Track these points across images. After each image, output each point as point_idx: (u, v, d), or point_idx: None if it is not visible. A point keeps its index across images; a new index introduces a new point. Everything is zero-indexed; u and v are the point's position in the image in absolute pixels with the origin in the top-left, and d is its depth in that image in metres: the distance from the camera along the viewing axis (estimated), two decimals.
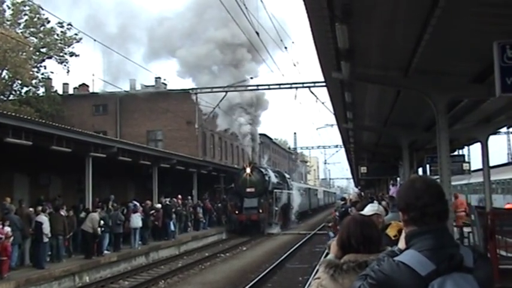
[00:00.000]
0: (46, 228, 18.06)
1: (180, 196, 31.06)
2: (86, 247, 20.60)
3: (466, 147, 27.05)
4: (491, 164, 18.08)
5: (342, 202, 21.83)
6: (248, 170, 36.57)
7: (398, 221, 5.75)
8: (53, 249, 19.19)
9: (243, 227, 35.24)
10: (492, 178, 19.62)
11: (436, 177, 14.50)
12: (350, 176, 72.44)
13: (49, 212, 19.44)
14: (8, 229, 16.23)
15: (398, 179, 27.69)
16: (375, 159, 31.68)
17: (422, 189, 2.38)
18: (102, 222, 21.12)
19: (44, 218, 18.19)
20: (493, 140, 18.38)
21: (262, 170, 38.56)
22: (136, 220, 23.78)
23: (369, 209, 6.03)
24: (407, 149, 19.72)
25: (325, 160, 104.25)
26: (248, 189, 36.13)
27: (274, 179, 39.43)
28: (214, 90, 35.76)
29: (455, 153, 24.89)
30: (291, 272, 20.30)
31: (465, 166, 23.74)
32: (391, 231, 5.33)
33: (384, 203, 11.12)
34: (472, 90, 11.46)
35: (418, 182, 2.44)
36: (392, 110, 16.17)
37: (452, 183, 13.62)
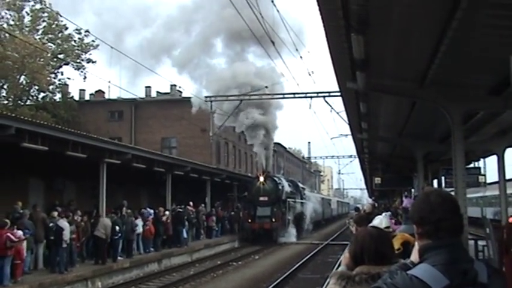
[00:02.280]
0: (66, 234, 18.15)
1: (191, 203, 31.09)
2: (98, 252, 20.64)
3: (481, 160, 26.80)
4: (507, 177, 17.93)
5: (356, 213, 21.73)
6: (261, 179, 36.50)
7: (409, 233, 5.71)
8: (67, 254, 19.28)
9: (255, 235, 35.13)
10: (508, 191, 19.44)
11: (451, 189, 14.41)
12: (364, 186, 72.11)
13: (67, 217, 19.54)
14: (20, 232, 16.33)
15: (412, 190, 27.51)
16: (389, 170, 31.53)
17: (437, 202, 2.35)
18: (117, 228, 21.20)
19: (65, 224, 18.27)
20: (509, 152, 18.17)
21: (276, 178, 38.49)
22: (138, 226, 23.79)
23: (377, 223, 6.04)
24: (422, 160, 19.62)
25: (339, 170, 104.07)
26: (261, 198, 36.04)
27: (287, 188, 39.30)
28: (230, 98, 35.76)
29: (471, 165, 24.67)
30: (303, 282, 20.22)
31: (481, 179, 23.50)
32: (394, 244, 5.27)
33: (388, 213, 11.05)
34: (489, 102, 11.39)
35: (433, 195, 2.40)
36: (407, 121, 16.11)
37: (468, 195, 13.51)
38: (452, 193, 10.52)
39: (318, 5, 7.33)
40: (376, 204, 31.44)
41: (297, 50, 25.34)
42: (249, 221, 35.58)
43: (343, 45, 8.75)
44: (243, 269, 24.26)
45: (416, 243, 2.46)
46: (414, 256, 2.45)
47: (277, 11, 21.44)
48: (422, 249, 2.35)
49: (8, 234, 15.57)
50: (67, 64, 45.16)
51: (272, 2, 19.98)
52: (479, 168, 25.28)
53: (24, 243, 16.73)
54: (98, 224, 20.70)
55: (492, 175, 26.77)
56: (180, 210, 28.39)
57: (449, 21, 7.34)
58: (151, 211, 25.94)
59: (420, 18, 7.78)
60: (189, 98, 39.20)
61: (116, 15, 69.14)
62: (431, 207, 2.34)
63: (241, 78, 37.68)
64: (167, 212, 26.88)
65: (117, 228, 21.29)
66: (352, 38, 8.05)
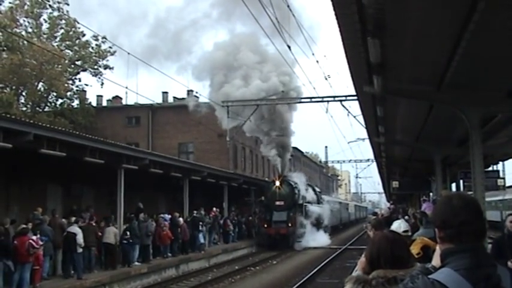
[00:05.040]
0: (79, 239, 18.22)
1: (214, 209, 31.18)
2: (107, 258, 20.71)
3: (500, 163, 26.58)
4: None
5: (374, 217, 21.61)
6: (277, 183, 36.29)
7: (429, 238, 5.66)
8: (85, 260, 19.37)
9: (271, 240, 34.99)
10: None
11: (469, 193, 14.29)
12: (382, 190, 71.71)
13: (82, 222, 19.62)
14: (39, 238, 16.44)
15: (431, 194, 27.32)
16: (407, 173, 31.38)
17: (459, 206, 2.32)
18: (127, 233, 21.19)
19: (77, 229, 18.34)
20: None
21: (292, 183, 38.06)
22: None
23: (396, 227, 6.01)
24: (440, 164, 19.50)
25: (357, 174, 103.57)
26: (277, 203, 35.72)
27: (304, 193, 39.09)
28: (246, 103, 35.68)
29: (490, 168, 24.47)
30: (321, 287, 20.15)
31: (500, 182, 23.31)
32: (414, 249, 5.22)
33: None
34: (507, 105, 11.29)
35: (456, 198, 2.38)
36: (424, 124, 16.02)
37: (487, 199, 13.38)
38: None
39: (334, 9, 7.33)
40: (389, 208, 31.16)
41: (313, 54, 25.33)
42: (265, 226, 35.42)
43: (360, 49, 8.73)
44: (260, 274, 24.20)
45: (437, 247, 2.44)
46: (436, 260, 2.43)
47: (293, 15, 21.47)
48: (444, 253, 2.32)
49: (31, 240, 15.69)
50: (84, 70, 45.52)
51: (288, 7, 19.99)
52: (497, 171, 25.09)
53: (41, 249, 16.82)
54: (106, 231, 20.66)
55: (511, 178, 26.60)
56: (196, 215, 28.38)
57: (466, 23, 7.29)
58: (168, 216, 25.94)
59: (437, 21, 7.74)
60: (206, 103, 39.19)
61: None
62: (453, 210, 2.31)
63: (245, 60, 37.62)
64: (180, 219, 26.73)
65: (128, 233, 21.30)
66: (368, 42, 8.03)
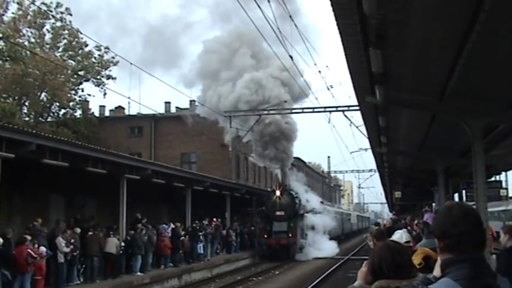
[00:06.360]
0: (60, 249, 17.97)
1: (215, 219, 31.13)
2: (109, 268, 20.66)
3: (503, 173, 26.51)
4: None
5: (376, 227, 21.53)
6: (278, 193, 35.96)
7: (430, 248, 5.64)
8: (87, 270, 19.33)
9: (272, 251, 34.79)
10: None
11: (472, 203, 14.26)
12: (384, 200, 71.47)
13: (84, 232, 19.58)
14: (43, 249, 16.42)
15: (433, 204, 27.23)
16: (410, 184, 31.27)
17: (459, 216, 2.33)
18: (122, 244, 21.16)
19: (60, 240, 18.09)
20: None
21: (293, 192, 37.62)
22: None
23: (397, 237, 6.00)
24: (442, 174, 19.46)
25: (359, 184, 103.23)
26: (278, 213, 35.31)
27: (305, 202, 38.84)
28: (248, 113, 35.67)
29: (492, 178, 24.40)
30: None
31: (502, 192, 23.25)
32: (416, 259, 5.19)
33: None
34: (508, 116, 11.26)
35: (455, 208, 2.38)
36: (427, 134, 16.00)
37: (489, 209, 13.34)
38: (474, 207, 10.39)
39: (336, 20, 7.35)
40: (391, 219, 31.00)
41: (315, 64, 25.37)
42: (265, 236, 35.12)
43: (362, 60, 8.75)
44: (263, 284, 24.14)
45: (438, 257, 2.44)
46: (437, 271, 2.43)
47: (295, 25, 21.52)
48: (444, 263, 2.32)
49: (29, 250, 15.66)
50: (87, 81, 45.69)
51: (290, 17, 20.07)
52: (500, 181, 25.04)
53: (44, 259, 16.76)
54: (108, 241, 20.64)
55: None
56: (194, 225, 28.27)
57: (468, 34, 7.30)
58: (168, 226, 25.84)
59: (438, 31, 7.76)
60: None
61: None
62: (453, 220, 2.32)
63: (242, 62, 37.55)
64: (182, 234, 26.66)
65: (122, 244, 21.26)
66: (370, 52, 8.04)
